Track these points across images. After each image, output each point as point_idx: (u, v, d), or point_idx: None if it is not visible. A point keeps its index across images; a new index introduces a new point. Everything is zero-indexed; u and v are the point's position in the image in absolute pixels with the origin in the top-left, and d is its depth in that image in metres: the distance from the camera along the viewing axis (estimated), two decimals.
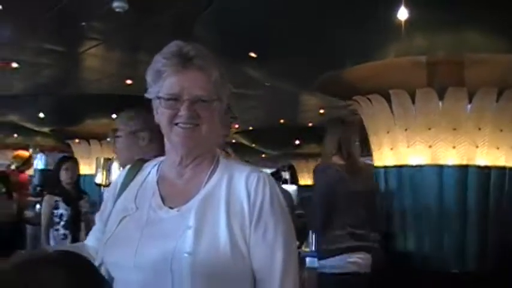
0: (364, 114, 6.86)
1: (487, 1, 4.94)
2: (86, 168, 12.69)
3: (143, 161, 1.99)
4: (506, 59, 5.74)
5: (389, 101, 6.36)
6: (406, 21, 4.71)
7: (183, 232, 1.63)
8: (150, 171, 1.89)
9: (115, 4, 6.14)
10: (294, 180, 19.98)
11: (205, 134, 1.73)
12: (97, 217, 2.00)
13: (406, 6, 4.61)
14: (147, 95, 1.80)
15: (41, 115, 12.60)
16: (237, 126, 14.95)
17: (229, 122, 3.43)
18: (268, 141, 17.61)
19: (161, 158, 1.92)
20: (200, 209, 1.69)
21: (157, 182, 1.83)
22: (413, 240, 6.26)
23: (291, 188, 17.05)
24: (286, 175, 21.31)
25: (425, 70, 6.11)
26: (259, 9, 5.66)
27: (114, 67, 9.53)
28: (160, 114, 1.76)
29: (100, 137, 13.17)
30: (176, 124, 1.73)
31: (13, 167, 9.52)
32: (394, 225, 6.38)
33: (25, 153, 10.35)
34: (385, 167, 6.57)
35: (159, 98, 1.74)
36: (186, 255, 1.59)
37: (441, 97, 6.06)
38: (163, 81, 1.73)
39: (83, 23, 6.96)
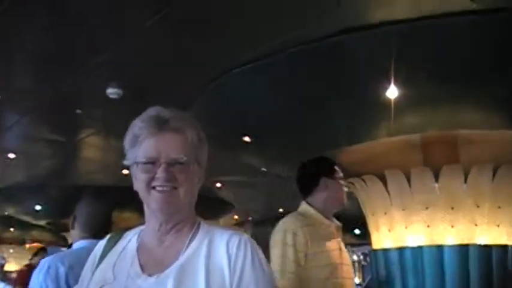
0: (360, 195, 6.81)
1: (479, 77, 5.00)
2: None
3: (124, 230, 1.93)
4: (500, 135, 5.76)
5: (384, 181, 6.33)
6: (396, 99, 4.75)
7: None
8: (131, 239, 1.81)
9: (109, 91, 6.22)
10: None
11: (184, 198, 1.66)
12: None
13: (397, 84, 4.67)
14: (125, 162, 1.75)
15: (38, 207, 12.54)
16: (236, 217, 14.86)
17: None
18: (269, 232, 17.37)
19: (142, 226, 1.85)
20: (178, 276, 1.60)
21: (137, 250, 1.77)
22: None
23: None
24: None
25: (419, 149, 6.12)
26: (251, 94, 5.74)
27: (110, 157, 9.56)
28: (138, 180, 1.70)
29: None
30: (153, 188, 1.68)
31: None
32: None
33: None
34: (384, 250, 6.45)
35: (136, 163, 1.71)
36: None
37: (437, 176, 6.03)
38: (140, 145, 1.69)
39: (79, 111, 7.02)
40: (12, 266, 16.17)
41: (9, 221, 15.27)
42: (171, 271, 1.62)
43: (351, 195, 8.50)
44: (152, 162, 1.64)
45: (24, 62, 5.87)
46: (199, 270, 1.61)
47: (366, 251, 7.92)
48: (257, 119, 5.96)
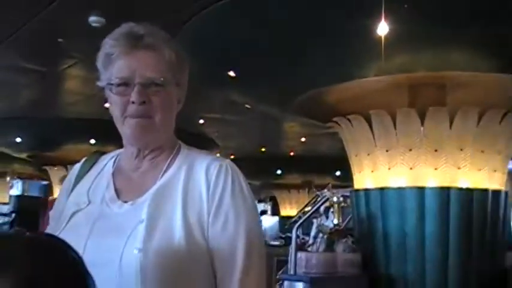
0: (345, 136, 6.77)
1: (469, 19, 4.91)
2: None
3: (100, 153, 1.85)
4: (488, 79, 5.70)
5: (369, 121, 6.28)
6: (386, 38, 4.65)
7: (134, 227, 1.49)
8: (107, 163, 1.73)
9: (91, 19, 6.05)
10: (275, 211, 19.93)
11: (160, 125, 1.57)
12: (50, 218, 1.85)
13: (387, 22, 4.56)
14: (98, 83, 1.65)
15: (18, 140, 12.41)
16: (218, 154, 14.81)
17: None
18: (249, 171, 17.48)
19: (120, 150, 1.77)
20: (154, 201, 1.54)
21: (113, 175, 1.69)
22: (395, 264, 6.11)
23: (272, 219, 16.99)
24: (267, 206, 21.27)
25: (406, 90, 6.05)
26: (239, 27, 5.60)
27: (93, 88, 9.41)
28: (113, 104, 1.58)
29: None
30: (128, 116, 1.56)
31: None
32: (376, 248, 6.23)
33: None
34: (366, 190, 6.46)
35: (109, 84, 1.58)
36: (135, 251, 1.44)
37: (422, 118, 5.99)
38: (113, 65, 1.56)
39: (60, 40, 6.85)
40: None
41: None
42: (147, 197, 1.56)
43: (333, 136, 8.50)
44: (126, 84, 1.54)
45: None
46: (176, 196, 1.55)
47: (346, 193, 7.91)
48: (242, 53, 5.83)
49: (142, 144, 1.62)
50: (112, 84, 1.56)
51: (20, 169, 16.70)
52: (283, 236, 12.15)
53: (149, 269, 1.44)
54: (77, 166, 1.79)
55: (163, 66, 1.55)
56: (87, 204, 1.62)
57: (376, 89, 5.99)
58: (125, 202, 1.58)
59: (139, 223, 1.49)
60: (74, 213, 1.61)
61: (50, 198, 10.14)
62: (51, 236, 1.12)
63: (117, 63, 1.56)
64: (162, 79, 1.54)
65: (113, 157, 1.75)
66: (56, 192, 13.68)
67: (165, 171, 1.61)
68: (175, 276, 1.47)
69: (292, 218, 8.73)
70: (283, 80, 6.34)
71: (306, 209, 6.37)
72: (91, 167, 1.75)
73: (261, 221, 1.67)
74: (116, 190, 1.63)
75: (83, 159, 1.81)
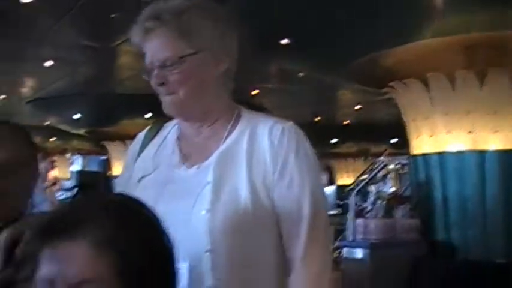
0: (401, 101, 6.68)
1: None
2: (120, 169, 12.75)
3: (163, 121, 1.87)
4: None
5: (427, 85, 6.16)
6: None
7: (201, 189, 1.52)
8: (170, 130, 1.76)
9: None
10: (331, 181, 19.90)
11: (187, 97, 1.57)
12: (117, 184, 1.90)
13: None
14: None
15: (77, 116, 12.67)
16: None
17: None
18: None
19: None
20: (219, 164, 1.56)
21: (177, 140, 1.71)
22: (455, 229, 6.04)
23: (328, 188, 16.97)
24: (323, 176, 21.24)
25: (464, 51, 5.90)
26: None
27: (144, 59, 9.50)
28: None
29: (135, 138, 13.18)
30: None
31: None
32: (435, 213, 6.16)
33: None
34: (424, 155, 6.37)
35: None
36: (203, 212, 1.48)
37: (481, 80, 5.85)
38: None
39: (112, 15, 6.92)
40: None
41: (50, 131, 15.55)
42: (212, 160, 1.57)
43: (389, 102, 8.38)
44: (150, 69, 1.57)
45: None
46: (241, 158, 1.56)
47: (403, 160, 7.83)
48: (295, 21, 5.77)
49: (182, 117, 1.66)
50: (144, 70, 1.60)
51: (78, 145, 17.10)
52: (341, 203, 12.12)
53: (217, 229, 1.47)
54: (141, 134, 1.82)
55: (178, 42, 1.54)
56: (154, 170, 1.65)
57: (433, 51, 5.87)
58: (191, 166, 1.61)
59: (206, 185, 1.52)
60: (141, 179, 1.65)
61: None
62: (129, 197, 1.13)
63: (144, 50, 1.58)
64: (175, 57, 1.53)
65: (175, 125, 1.77)
66: (115, 166, 13.96)
67: (228, 136, 1.62)
68: (243, 235, 1.50)
69: (348, 186, 8.71)
70: (338, 46, 6.27)
71: (363, 176, 6.30)
72: (155, 134, 1.78)
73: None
74: (181, 155, 1.65)
75: (147, 128, 1.84)
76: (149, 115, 11.19)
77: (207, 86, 1.60)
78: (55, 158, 13.35)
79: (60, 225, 0.99)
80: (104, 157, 15.90)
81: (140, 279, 0.99)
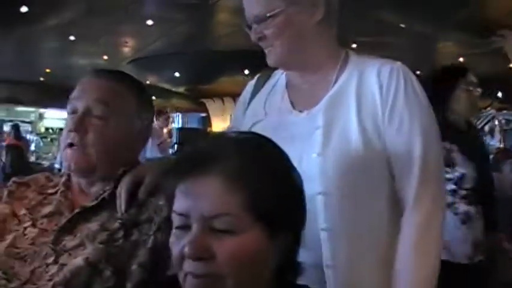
0: (511, 49, 6.39)
1: None
2: (220, 125, 13.01)
3: (271, 70, 1.91)
4: None
5: None
6: None
7: (312, 133, 1.56)
8: (278, 78, 1.81)
9: None
10: None
11: (285, 47, 1.62)
12: (228, 129, 1.97)
13: None
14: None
15: (177, 74, 12.94)
16: None
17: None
18: None
19: None
20: (329, 108, 1.59)
21: (286, 87, 1.74)
22: None
23: None
24: None
25: None
26: None
27: (244, 19, 9.53)
28: None
29: (234, 95, 13.36)
30: None
31: None
32: None
33: None
34: None
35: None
36: (314, 155, 1.52)
37: None
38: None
39: None
40: None
41: (151, 90, 15.98)
42: (321, 105, 1.61)
43: (494, 54, 8.05)
44: (250, 24, 1.65)
45: None
46: (350, 101, 1.58)
47: (509, 116, 7.55)
48: None
49: (284, 68, 1.73)
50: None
51: (178, 103, 17.50)
52: None
53: (329, 172, 1.50)
54: (251, 83, 1.89)
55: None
56: (265, 116, 1.70)
57: None
58: (301, 112, 1.64)
59: (316, 129, 1.56)
60: (253, 125, 1.71)
61: None
62: (259, 135, 1.17)
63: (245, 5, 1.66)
64: (266, 11, 1.58)
65: (283, 73, 1.80)
66: (214, 123, 14.25)
67: (336, 80, 1.63)
68: (354, 177, 1.52)
69: None
70: None
71: None
72: (264, 83, 1.82)
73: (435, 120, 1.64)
74: (291, 101, 1.69)
75: (256, 76, 1.89)
76: (247, 72, 11.27)
77: (304, 37, 1.62)
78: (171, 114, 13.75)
79: (195, 162, 1.05)
80: (203, 114, 16.25)
81: (271, 214, 1.03)
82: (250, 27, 1.63)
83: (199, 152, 1.08)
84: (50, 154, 16.04)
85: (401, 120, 1.54)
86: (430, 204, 1.53)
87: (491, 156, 5.56)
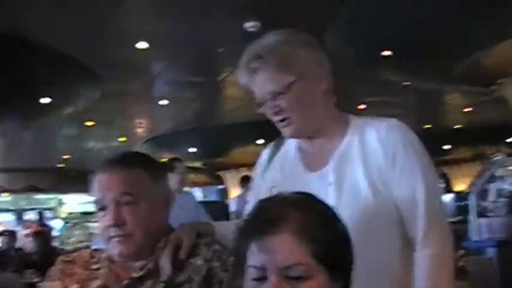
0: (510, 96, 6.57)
1: None
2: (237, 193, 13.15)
3: (283, 137, 2.09)
4: None
5: None
6: None
7: (324, 190, 1.72)
8: (291, 143, 1.98)
9: (247, 24, 6.37)
10: (448, 188, 19.36)
11: (300, 120, 1.78)
12: (249, 197, 2.12)
13: None
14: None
15: (192, 150, 13.17)
16: None
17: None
18: None
19: None
20: (337, 166, 1.77)
21: (298, 151, 1.92)
22: None
23: (447, 197, 16.52)
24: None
25: None
26: (389, 7, 5.64)
27: (252, 93, 9.78)
28: None
29: (248, 164, 13.53)
30: None
31: None
32: None
33: None
34: None
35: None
36: None
37: None
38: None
39: (220, 49, 7.25)
40: None
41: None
42: (331, 164, 1.80)
43: (498, 102, 8.20)
44: (262, 102, 1.78)
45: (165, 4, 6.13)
46: (355, 159, 1.77)
47: None
48: (396, 30, 5.86)
49: (298, 137, 1.87)
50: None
51: (195, 178, 17.67)
52: (462, 204, 11.75)
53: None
54: (266, 151, 2.07)
55: (281, 75, 1.73)
56: (282, 180, 1.88)
57: None
58: (313, 172, 1.83)
59: (328, 186, 1.75)
60: (272, 188, 1.87)
61: None
62: (309, 194, 1.36)
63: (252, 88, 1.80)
64: (284, 86, 1.73)
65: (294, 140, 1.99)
66: (232, 193, 14.38)
67: (341, 141, 1.82)
68: (367, 224, 1.69)
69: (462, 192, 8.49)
70: (439, 50, 6.28)
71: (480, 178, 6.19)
72: (278, 149, 2.01)
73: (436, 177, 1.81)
74: (304, 164, 1.87)
75: (271, 144, 2.07)
76: (260, 141, 11.49)
77: (315, 105, 1.80)
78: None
79: (265, 222, 1.24)
80: (221, 186, 16.43)
81: (333, 260, 1.23)
82: (260, 105, 1.80)
83: (267, 213, 1.27)
84: (73, 239, 16.13)
85: (403, 167, 1.71)
86: (440, 238, 1.69)
87: (505, 200, 5.64)
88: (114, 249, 1.65)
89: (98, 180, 1.69)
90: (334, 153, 1.81)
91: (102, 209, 1.66)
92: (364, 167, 1.74)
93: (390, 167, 1.72)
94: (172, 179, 4.97)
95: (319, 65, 1.81)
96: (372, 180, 1.72)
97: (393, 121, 1.80)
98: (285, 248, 1.20)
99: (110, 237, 1.64)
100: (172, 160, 5.52)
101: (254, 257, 1.22)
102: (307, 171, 1.85)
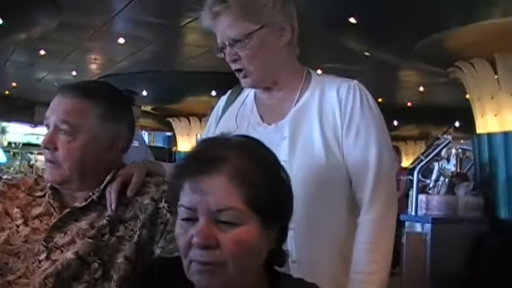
0: (467, 80, 6.69)
1: None
2: (185, 144, 13.10)
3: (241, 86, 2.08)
4: None
5: (494, 65, 6.17)
6: None
7: (279, 143, 1.73)
8: (248, 94, 1.98)
9: None
10: (400, 161, 19.64)
11: (257, 70, 1.78)
12: None
13: None
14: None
15: (144, 93, 12.99)
16: None
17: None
18: None
19: None
20: (294, 121, 1.79)
21: (255, 102, 1.91)
22: None
23: None
24: None
25: None
26: None
27: (214, 42, 9.67)
28: None
29: (200, 115, 13.48)
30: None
31: None
32: (498, 193, 6.18)
33: None
34: (489, 134, 6.39)
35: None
36: (282, 163, 1.67)
37: None
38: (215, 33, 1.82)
39: None
40: None
41: None
42: (287, 118, 1.82)
43: (453, 85, 8.36)
44: (222, 48, 1.80)
45: None
46: (313, 115, 1.78)
47: (465, 146, 7.87)
48: None
49: (256, 88, 1.89)
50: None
51: (144, 122, 17.48)
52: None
53: (294, 177, 1.66)
54: (223, 98, 2.06)
55: (242, 22, 1.72)
56: (236, 128, 1.87)
57: (501, 31, 5.85)
58: (269, 124, 1.83)
59: (282, 140, 1.76)
60: None
61: None
62: (251, 138, 1.33)
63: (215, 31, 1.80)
64: (240, 34, 1.72)
65: (251, 89, 1.97)
66: (180, 142, 14.33)
67: (300, 96, 1.81)
68: (317, 181, 1.73)
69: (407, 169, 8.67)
70: (403, 25, 6.32)
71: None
72: (235, 98, 1.99)
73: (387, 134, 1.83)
74: (260, 115, 1.86)
75: (228, 92, 2.06)
76: (214, 93, 11.43)
77: (275, 57, 1.80)
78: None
79: (201, 162, 1.20)
80: (169, 133, 16.34)
81: (267, 208, 1.19)
82: (221, 51, 1.79)
83: (204, 153, 1.23)
84: (12, 169, 15.82)
85: (358, 131, 1.74)
86: (384, 204, 1.73)
87: (447, 180, 5.80)
88: (46, 172, 1.65)
89: (53, 99, 1.66)
90: (292, 107, 1.82)
91: (47, 129, 1.65)
92: (320, 126, 1.76)
93: (346, 129, 1.74)
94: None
95: (285, 15, 1.79)
96: (327, 138, 1.74)
97: (354, 82, 1.81)
98: (219, 190, 1.15)
99: (46, 159, 1.63)
100: (131, 92, 5.33)
101: (186, 196, 1.18)
102: (263, 123, 1.86)
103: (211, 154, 1.20)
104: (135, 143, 4.93)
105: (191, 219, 1.17)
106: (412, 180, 5.80)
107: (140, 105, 5.05)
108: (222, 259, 1.14)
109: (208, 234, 1.14)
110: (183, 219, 1.19)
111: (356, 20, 6.39)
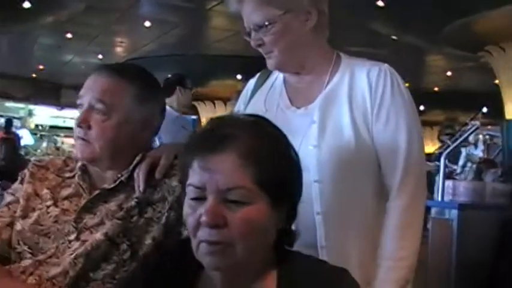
0: (496, 65, 6.58)
1: None
2: None
3: (268, 71, 2.06)
4: None
5: None
6: None
7: (308, 127, 1.72)
8: (277, 76, 1.96)
9: None
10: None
11: (283, 54, 1.76)
12: None
13: None
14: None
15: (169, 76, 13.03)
16: None
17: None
18: None
19: None
20: (323, 105, 1.76)
21: (284, 85, 1.90)
22: None
23: None
24: None
25: None
26: None
27: (240, 25, 9.65)
28: None
29: (225, 99, 13.49)
30: None
31: None
32: None
33: None
34: None
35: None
36: (311, 147, 1.68)
37: None
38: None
39: None
40: None
41: None
42: (317, 102, 1.79)
43: (481, 70, 8.25)
44: (250, 32, 1.76)
45: None
46: (342, 99, 1.75)
47: (493, 132, 7.78)
48: None
49: (282, 71, 1.87)
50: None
51: None
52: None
53: (324, 162, 1.66)
54: (252, 81, 2.04)
55: (266, 7, 1.70)
56: (265, 112, 1.84)
57: None
58: (298, 108, 1.81)
59: (312, 124, 1.73)
60: None
61: None
62: (263, 118, 1.30)
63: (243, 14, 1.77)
64: (264, 20, 1.70)
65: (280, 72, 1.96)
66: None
67: (330, 79, 1.79)
68: (346, 166, 1.70)
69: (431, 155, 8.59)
70: (432, 8, 6.23)
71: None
72: (264, 81, 1.98)
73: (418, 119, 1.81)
74: (289, 98, 1.84)
75: (257, 75, 2.04)
76: (240, 77, 11.40)
77: (299, 42, 1.77)
78: None
79: (211, 140, 1.18)
80: (194, 116, 16.39)
81: (276, 187, 1.17)
82: (249, 34, 1.77)
83: (214, 131, 1.20)
84: (39, 151, 16.01)
85: (388, 116, 1.71)
86: (413, 190, 1.71)
87: (474, 166, 5.73)
88: (76, 149, 1.65)
89: (88, 79, 1.66)
90: (321, 91, 1.79)
91: (80, 108, 1.64)
92: (350, 110, 1.73)
93: (376, 114, 1.72)
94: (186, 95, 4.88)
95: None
96: (356, 123, 1.71)
97: (385, 66, 1.78)
98: (228, 169, 1.14)
99: (77, 137, 1.63)
100: (182, 76, 5.24)
101: (195, 175, 1.17)
102: (292, 107, 1.83)
103: (221, 132, 1.18)
104: (187, 126, 4.94)
105: (200, 199, 1.16)
106: (438, 166, 5.73)
107: (192, 88, 4.93)
108: (231, 238, 1.13)
109: (216, 212, 1.13)
110: (191, 199, 1.17)
111: (384, 3, 6.31)
